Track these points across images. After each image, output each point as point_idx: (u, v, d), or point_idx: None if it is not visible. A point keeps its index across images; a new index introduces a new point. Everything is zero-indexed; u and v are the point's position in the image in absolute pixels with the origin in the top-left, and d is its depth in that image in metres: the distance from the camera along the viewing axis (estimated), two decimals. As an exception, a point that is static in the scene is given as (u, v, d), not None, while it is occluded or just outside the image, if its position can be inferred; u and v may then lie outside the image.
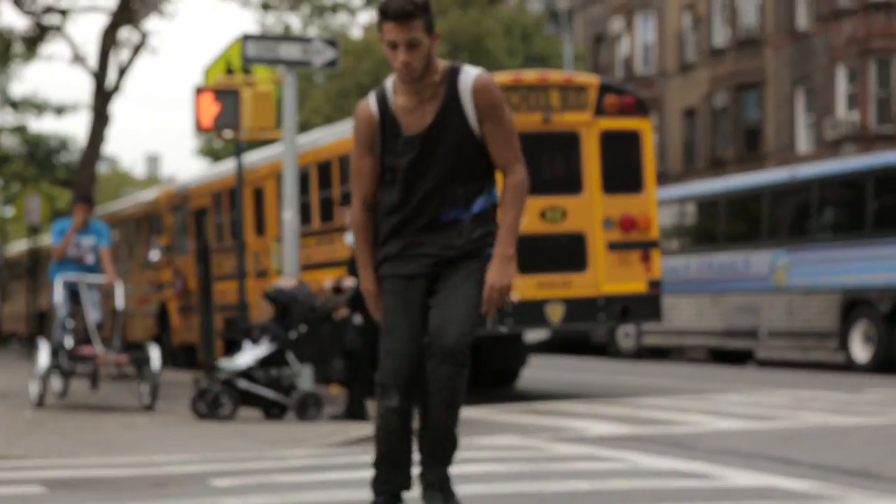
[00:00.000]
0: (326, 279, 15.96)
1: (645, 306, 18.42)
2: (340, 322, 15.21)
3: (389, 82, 6.36)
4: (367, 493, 8.25)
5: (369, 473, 9.40)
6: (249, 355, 14.95)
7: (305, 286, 15.72)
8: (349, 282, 15.23)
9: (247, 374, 14.82)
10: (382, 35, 6.18)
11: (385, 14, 6.11)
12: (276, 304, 15.38)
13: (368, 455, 11.05)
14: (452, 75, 6.29)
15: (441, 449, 6.52)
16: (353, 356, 15.28)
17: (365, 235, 6.40)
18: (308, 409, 14.66)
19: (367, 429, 13.31)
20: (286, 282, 16.10)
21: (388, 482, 6.56)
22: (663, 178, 47.16)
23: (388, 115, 6.27)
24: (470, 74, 6.29)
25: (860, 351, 25.18)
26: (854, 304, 25.31)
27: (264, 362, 14.93)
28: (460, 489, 8.51)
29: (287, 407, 14.74)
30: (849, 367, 25.29)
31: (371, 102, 6.33)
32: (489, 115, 6.27)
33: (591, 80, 18.73)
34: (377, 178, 6.34)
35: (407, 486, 6.59)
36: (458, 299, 6.30)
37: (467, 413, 15.86)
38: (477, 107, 6.25)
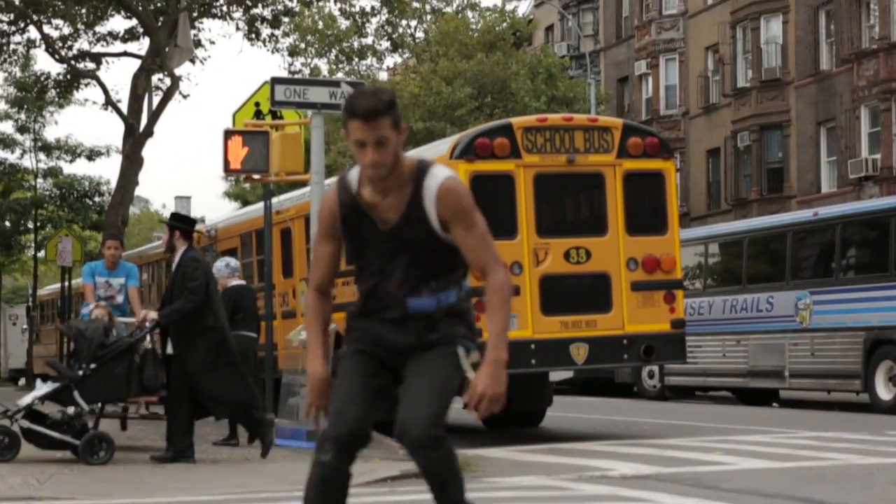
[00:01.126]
0: (150, 312, 15.41)
1: (669, 346, 18.38)
2: (143, 358, 14.64)
3: (353, 173, 6.18)
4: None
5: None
6: (33, 394, 14.43)
7: (100, 322, 15.12)
8: (152, 314, 15.01)
9: (31, 413, 14.23)
10: (348, 133, 6.01)
11: (353, 113, 5.96)
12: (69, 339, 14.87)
13: (394, 496, 11.07)
14: (419, 175, 6.10)
15: None
16: (148, 392, 14.95)
17: (317, 318, 6.21)
18: (94, 450, 13.97)
19: (395, 468, 13.31)
20: (98, 311, 15.78)
21: None
22: (687, 219, 47.19)
23: (355, 206, 6.11)
24: (436, 179, 6.08)
25: (884, 391, 25.08)
26: (878, 345, 25.21)
27: (49, 399, 14.33)
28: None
29: (76, 448, 14.04)
30: (872, 407, 25.20)
31: (335, 193, 6.17)
32: (456, 220, 6.07)
33: (615, 122, 18.75)
34: (334, 264, 6.21)
35: None
36: (423, 383, 6.03)
37: (493, 453, 15.87)
38: (442, 213, 6.07)
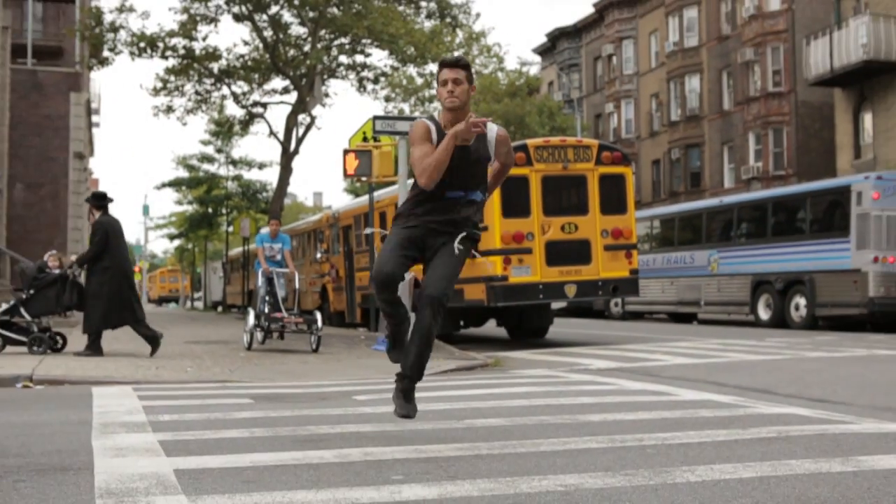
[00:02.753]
0: (48, 254, 14.86)
1: (628, 286, 18.29)
2: (65, 285, 14.07)
3: (436, 115, 6.16)
4: (451, 405, 8.27)
5: (454, 392, 9.45)
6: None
7: (30, 263, 14.41)
8: (72, 257, 14.63)
9: (3, 323, 14.07)
10: (438, 79, 5.95)
11: (442, 63, 5.97)
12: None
13: (452, 381, 11.12)
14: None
15: (414, 369, 5.99)
16: (68, 308, 14.39)
17: (438, 153, 5.78)
18: (35, 345, 13.85)
19: (452, 364, 13.32)
20: (51, 261, 15.06)
21: (398, 355, 6.14)
22: (639, 205, 46.83)
23: (440, 131, 5.98)
24: (495, 126, 6.11)
25: (763, 314, 24.93)
26: (759, 284, 25.07)
27: (10, 313, 14.07)
28: (512, 403, 8.53)
29: (27, 342, 13.93)
30: (756, 324, 25.04)
31: (426, 120, 6.00)
32: (503, 149, 6.13)
33: (593, 142, 18.62)
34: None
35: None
36: (445, 266, 5.86)
37: (515, 355, 15.86)
38: (499, 145, 6.08)
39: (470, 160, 5.98)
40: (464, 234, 6.00)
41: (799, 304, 23.68)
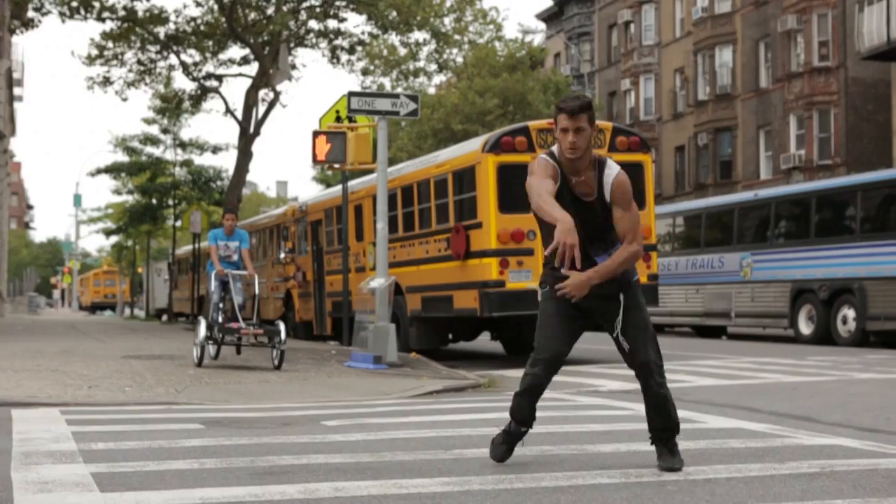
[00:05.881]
0: None
1: (646, 293, 18.21)
2: None
3: (553, 149, 6.28)
4: (437, 432, 8.27)
5: (440, 418, 9.44)
6: None
7: None
8: None
9: None
10: (557, 123, 6.17)
11: (561, 109, 6.14)
12: None
13: (439, 405, 11.11)
14: (600, 165, 6.26)
15: (666, 431, 6.57)
16: None
17: (548, 192, 6.03)
18: None
19: (439, 384, 13.33)
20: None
21: (524, 419, 6.69)
22: (660, 198, 46.95)
23: (562, 174, 6.19)
24: (613, 169, 6.26)
25: (805, 328, 25.04)
26: (800, 293, 25.18)
27: None
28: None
29: None
30: (796, 339, 25.12)
31: (549, 158, 6.21)
32: (620, 202, 6.25)
33: (606, 124, 18.63)
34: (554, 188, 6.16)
35: (530, 424, 6.75)
36: (640, 325, 6.36)
37: (511, 373, 15.85)
38: (612, 195, 6.24)
39: (598, 221, 6.25)
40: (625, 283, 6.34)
41: (847, 317, 23.76)
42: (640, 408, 10.40)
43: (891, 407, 10.50)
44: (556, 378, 15.64)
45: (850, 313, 23.67)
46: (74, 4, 30.40)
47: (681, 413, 9.91)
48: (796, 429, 8.64)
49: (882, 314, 22.83)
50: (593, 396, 11.96)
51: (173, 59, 34.64)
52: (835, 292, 24.04)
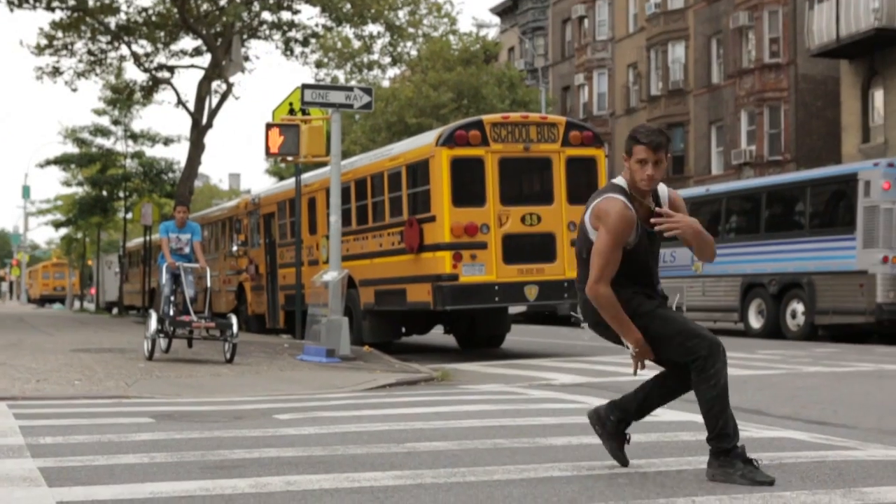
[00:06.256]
0: None
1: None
2: None
3: (623, 186, 6.08)
4: (390, 425, 8.26)
5: (393, 411, 9.44)
6: None
7: None
8: None
9: None
10: (633, 154, 5.98)
11: (639, 140, 5.96)
12: None
13: (392, 398, 11.11)
14: (654, 191, 6.16)
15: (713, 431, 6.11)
16: None
17: (618, 302, 6.05)
18: None
19: (392, 378, 13.32)
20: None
21: (735, 428, 6.16)
22: (612, 193, 47.12)
23: (637, 216, 6.04)
24: (664, 188, 6.24)
25: (755, 322, 25.23)
26: (750, 287, 25.35)
27: None
28: (461, 423, 8.55)
29: None
30: (746, 333, 25.32)
31: (628, 208, 5.98)
32: (682, 208, 6.27)
33: (560, 119, 18.67)
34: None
35: (738, 434, 6.20)
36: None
37: (465, 367, 15.88)
38: (676, 205, 6.23)
39: (658, 242, 6.24)
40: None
41: (796, 311, 23.99)
42: (592, 401, 10.44)
43: (838, 400, 10.62)
44: (508, 371, 15.69)
45: (799, 307, 23.88)
46: (23, -8, 30.04)
47: (632, 406, 9.97)
48: (746, 422, 8.70)
49: (830, 308, 23.06)
50: (545, 390, 11.99)
51: (124, 50, 34.42)
52: (784, 287, 24.26)
